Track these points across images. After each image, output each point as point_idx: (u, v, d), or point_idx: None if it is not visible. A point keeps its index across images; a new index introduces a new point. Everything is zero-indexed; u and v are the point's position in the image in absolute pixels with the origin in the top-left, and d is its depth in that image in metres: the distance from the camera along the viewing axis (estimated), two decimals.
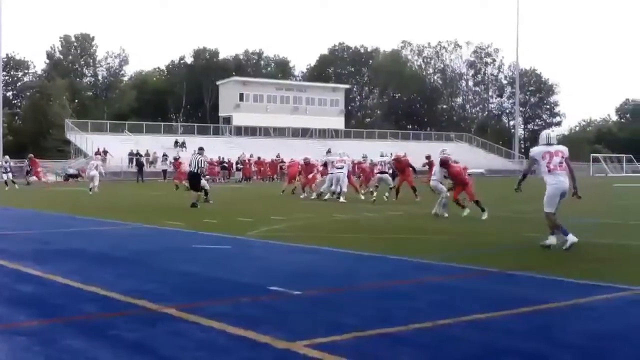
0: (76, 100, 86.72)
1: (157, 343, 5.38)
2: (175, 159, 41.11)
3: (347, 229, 14.54)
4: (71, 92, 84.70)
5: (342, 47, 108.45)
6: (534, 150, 11.38)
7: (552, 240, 10.84)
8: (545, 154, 11.04)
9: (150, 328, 5.85)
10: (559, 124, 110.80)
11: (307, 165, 28.60)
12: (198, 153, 22.40)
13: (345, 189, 24.47)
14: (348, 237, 12.97)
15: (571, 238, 10.56)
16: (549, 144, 11.19)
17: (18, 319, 6.30)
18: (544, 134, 11.50)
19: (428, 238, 13.08)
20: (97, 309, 6.65)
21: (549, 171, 10.94)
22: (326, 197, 24.96)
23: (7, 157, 41.92)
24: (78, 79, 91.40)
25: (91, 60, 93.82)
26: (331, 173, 24.84)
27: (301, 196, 27.02)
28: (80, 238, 12.76)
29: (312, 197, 26.17)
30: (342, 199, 24.00)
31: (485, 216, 16.35)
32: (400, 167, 24.93)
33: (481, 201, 16.99)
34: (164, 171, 53.49)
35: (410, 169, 24.91)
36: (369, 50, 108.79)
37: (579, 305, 6.76)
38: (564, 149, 11.20)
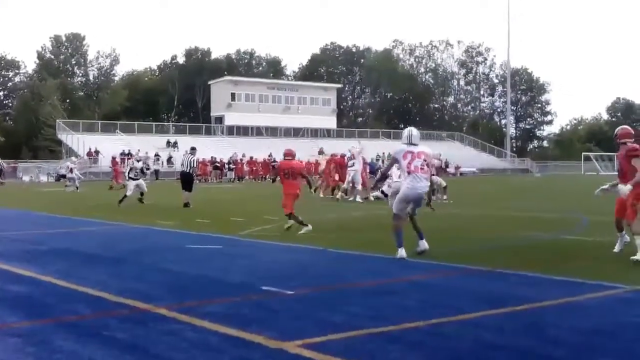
0: (67, 100, 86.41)
1: (150, 343, 5.38)
2: (113, 158, 40.66)
3: (339, 228, 14.56)
4: (62, 92, 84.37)
5: (333, 47, 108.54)
6: (396, 149, 10.53)
7: None
8: (406, 153, 10.18)
9: (142, 328, 5.85)
10: (550, 122, 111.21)
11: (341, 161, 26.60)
12: (190, 153, 22.37)
13: (359, 187, 23.90)
14: (339, 236, 12.99)
15: (401, 252, 9.82)
16: (410, 143, 10.35)
17: (10, 319, 6.29)
18: (406, 132, 10.61)
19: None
20: (89, 309, 6.65)
21: (409, 173, 10.08)
22: (350, 198, 23.94)
23: None
24: (69, 79, 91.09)
25: (82, 60, 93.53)
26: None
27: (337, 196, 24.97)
28: (71, 238, 12.74)
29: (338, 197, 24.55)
30: (357, 199, 23.44)
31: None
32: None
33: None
34: (156, 171, 53.38)
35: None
36: (360, 49, 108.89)
37: (570, 303, 6.79)
38: (428, 152, 10.49)
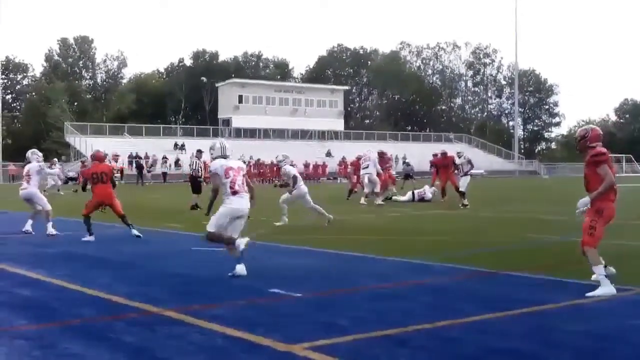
0: (75, 103, 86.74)
1: (157, 346, 5.38)
2: (82, 162, 40.05)
3: (345, 231, 14.53)
4: (70, 94, 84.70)
5: (340, 49, 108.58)
6: (215, 165, 9.22)
7: None
8: (228, 170, 9.11)
9: (149, 331, 5.85)
10: (558, 124, 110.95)
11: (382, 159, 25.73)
12: (196, 156, 22.37)
13: (378, 189, 23.50)
14: (346, 238, 12.97)
15: (239, 269, 8.57)
16: (224, 156, 9.35)
17: (17, 322, 6.30)
18: (217, 143, 9.53)
19: (426, 239, 13.08)
20: (96, 312, 6.66)
21: (234, 193, 9.00)
22: (378, 201, 23.33)
23: None
24: (77, 82, 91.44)
25: (90, 63, 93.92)
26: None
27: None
28: (78, 241, 12.75)
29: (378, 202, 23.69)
30: (377, 201, 22.97)
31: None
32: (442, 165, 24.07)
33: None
34: (164, 174, 53.50)
35: (452, 168, 23.45)
36: (367, 51, 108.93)
37: (577, 306, 6.76)
38: (243, 165, 9.58)
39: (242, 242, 8.80)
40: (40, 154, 15.25)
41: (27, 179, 14.72)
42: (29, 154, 15.15)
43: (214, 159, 9.37)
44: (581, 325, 5.99)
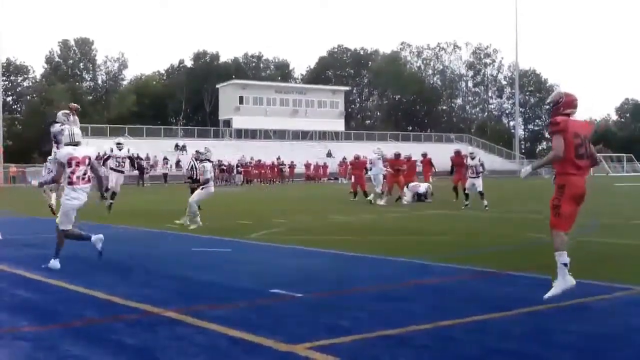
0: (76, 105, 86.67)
1: (158, 347, 5.38)
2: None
3: (347, 231, 14.53)
4: (71, 96, 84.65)
5: (341, 50, 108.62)
6: (61, 153, 9.17)
7: None
8: (71, 159, 8.95)
9: (151, 332, 5.85)
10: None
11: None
12: (195, 157, 22.40)
13: (378, 190, 23.64)
14: (348, 239, 12.97)
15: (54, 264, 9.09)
16: (74, 143, 9.11)
17: (19, 324, 6.29)
18: (66, 130, 9.39)
19: (427, 239, 13.08)
20: (98, 314, 6.65)
21: (70, 184, 9.01)
22: (380, 201, 23.47)
23: None
24: (78, 84, 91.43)
25: (91, 65, 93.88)
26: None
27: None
28: (79, 242, 12.73)
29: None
30: (379, 202, 23.08)
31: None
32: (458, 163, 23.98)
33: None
34: (165, 175, 53.50)
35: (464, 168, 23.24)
36: (368, 52, 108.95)
37: (578, 306, 6.74)
38: (91, 153, 9.36)
39: (98, 239, 9.41)
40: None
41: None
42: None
43: (64, 145, 9.24)
44: (582, 326, 5.98)
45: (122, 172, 19.27)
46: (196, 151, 23.70)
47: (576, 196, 6.73)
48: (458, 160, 24.27)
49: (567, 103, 6.93)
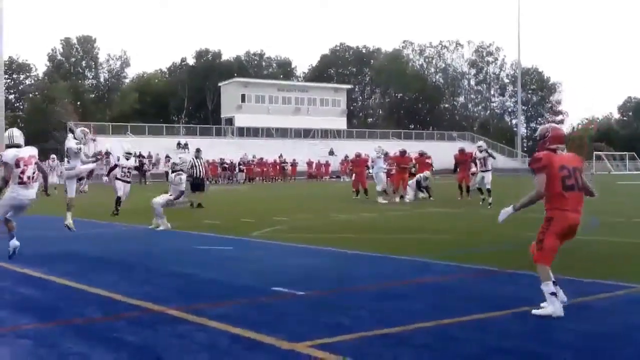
0: (78, 103, 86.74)
1: (160, 345, 5.40)
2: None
3: (348, 230, 14.55)
4: (73, 94, 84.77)
5: (343, 48, 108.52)
6: (7, 155, 9.64)
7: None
8: (19, 160, 9.52)
9: (152, 330, 5.87)
10: (561, 122, 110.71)
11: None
12: (195, 156, 22.52)
13: (379, 188, 23.58)
14: (349, 237, 12.98)
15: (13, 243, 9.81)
16: (15, 145, 9.68)
17: (21, 321, 6.32)
18: (9, 132, 9.93)
19: (428, 238, 13.09)
20: (99, 312, 6.67)
21: (22, 183, 9.56)
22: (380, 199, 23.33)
23: None
24: (80, 82, 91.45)
25: (93, 63, 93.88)
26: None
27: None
28: (81, 240, 12.77)
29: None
30: (380, 200, 23.03)
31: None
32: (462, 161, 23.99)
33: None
34: (167, 173, 53.44)
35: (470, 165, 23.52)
36: (370, 50, 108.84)
37: (578, 305, 6.75)
38: (35, 153, 9.92)
39: (14, 245, 9.77)
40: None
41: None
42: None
43: (5, 147, 9.63)
44: (582, 324, 5.99)
45: (128, 182, 19.36)
46: (196, 149, 23.88)
47: (563, 230, 6.57)
48: (462, 158, 24.23)
49: (554, 137, 6.68)
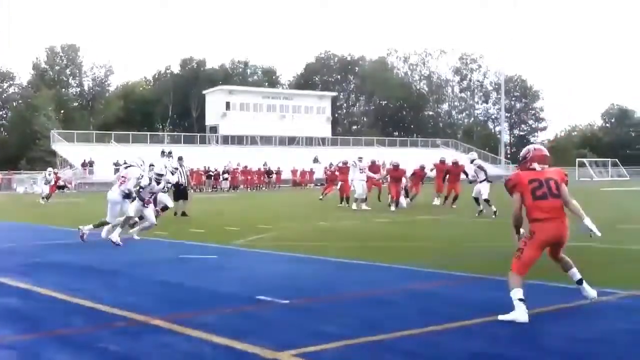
0: (62, 111, 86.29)
1: (144, 355, 5.35)
2: (55, 173, 39.23)
3: (334, 237, 14.54)
4: (57, 102, 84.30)
5: (328, 55, 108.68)
6: None
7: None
8: None
9: (136, 340, 5.82)
10: (544, 129, 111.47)
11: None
12: (178, 163, 22.45)
13: (356, 196, 23.83)
14: (335, 245, 12.96)
15: None
16: None
17: (3, 332, 6.25)
18: None
19: (415, 245, 13.09)
20: (83, 322, 6.62)
21: None
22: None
23: None
24: (64, 90, 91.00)
25: (77, 71, 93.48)
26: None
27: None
28: (64, 250, 12.69)
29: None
30: (356, 206, 23.39)
31: None
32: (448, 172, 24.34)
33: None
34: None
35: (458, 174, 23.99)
36: (355, 58, 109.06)
37: (564, 310, 6.78)
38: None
39: None
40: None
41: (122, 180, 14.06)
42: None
43: None
44: (568, 329, 6.00)
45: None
46: (179, 157, 23.77)
47: (547, 241, 6.63)
48: (440, 167, 25.12)
49: (534, 157, 6.81)
